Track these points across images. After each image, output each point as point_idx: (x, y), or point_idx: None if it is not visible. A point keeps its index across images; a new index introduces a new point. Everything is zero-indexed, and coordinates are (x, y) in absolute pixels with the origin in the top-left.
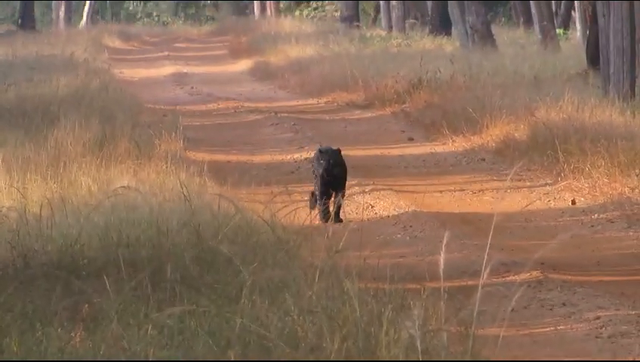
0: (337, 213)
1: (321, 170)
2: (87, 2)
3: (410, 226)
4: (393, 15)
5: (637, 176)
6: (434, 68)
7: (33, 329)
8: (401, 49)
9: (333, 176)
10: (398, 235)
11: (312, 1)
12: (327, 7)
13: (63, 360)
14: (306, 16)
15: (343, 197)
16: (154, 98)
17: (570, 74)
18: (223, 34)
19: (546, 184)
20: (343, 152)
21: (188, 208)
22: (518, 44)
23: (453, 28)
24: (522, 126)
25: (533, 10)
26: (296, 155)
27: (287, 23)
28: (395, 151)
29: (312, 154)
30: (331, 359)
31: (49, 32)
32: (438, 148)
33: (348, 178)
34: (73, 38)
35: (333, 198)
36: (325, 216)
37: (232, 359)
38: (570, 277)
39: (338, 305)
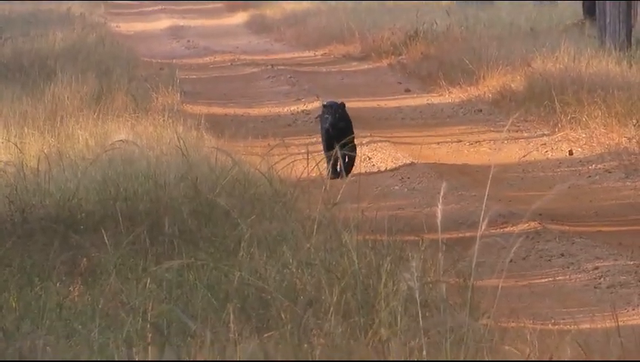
0: (349, 167)
1: (326, 125)
2: None
3: (408, 178)
4: None
5: (634, 126)
6: (430, 20)
7: (32, 284)
8: (397, 2)
9: (338, 130)
10: (396, 187)
11: None
12: None
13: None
14: None
15: (354, 150)
16: (150, 52)
17: (566, 25)
18: None
19: (543, 135)
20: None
21: (185, 161)
22: None
23: None
24: (519, 77)
25: None
26: (293, 108)
27: None
28: (392, 103)
29: (308, 106)
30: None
31: None
32: (435, 99)
33: None
34: None
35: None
36: (333, 171)
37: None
38: (568, 227)
39: (336, 258)
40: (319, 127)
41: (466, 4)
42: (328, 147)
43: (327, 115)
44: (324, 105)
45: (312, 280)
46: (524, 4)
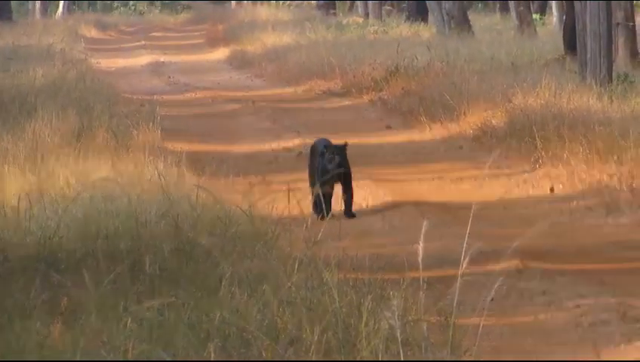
0: (349, 208)
1: (330, 166)
2: None
3: (389, 215)
4: (370, 2)
5: (615, 162)
6: (411, 55)
7: (12, 324)
8: (377, 36)
9: (339, 173)
10: (377, 225)
11: None
12: None
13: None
14: (283, 3)
15: (352, 192)
16: (131, 88)
17: (547, 59)
18: (199, 22)
19: (524, 171)
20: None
21: (166, 199)
22: (495, 30)
23: (429, 14)
24: (500, 112)
25: None
26: (274, 145)
27: (264, 11)
28: (373, 139)
29: (289, 143)
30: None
31: (25, 23)
32: (416, 136)
33: None
34: (50, 28)
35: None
36: (321, 211)
37: (212, 351)
38: (549, 265)
39: (317, 296)
40: (309, 164)
41: (446, 37)
42: (322, 183)
43: (331, 155)
44: (326, 147)
45: (293, 319)
46: (505, 38)
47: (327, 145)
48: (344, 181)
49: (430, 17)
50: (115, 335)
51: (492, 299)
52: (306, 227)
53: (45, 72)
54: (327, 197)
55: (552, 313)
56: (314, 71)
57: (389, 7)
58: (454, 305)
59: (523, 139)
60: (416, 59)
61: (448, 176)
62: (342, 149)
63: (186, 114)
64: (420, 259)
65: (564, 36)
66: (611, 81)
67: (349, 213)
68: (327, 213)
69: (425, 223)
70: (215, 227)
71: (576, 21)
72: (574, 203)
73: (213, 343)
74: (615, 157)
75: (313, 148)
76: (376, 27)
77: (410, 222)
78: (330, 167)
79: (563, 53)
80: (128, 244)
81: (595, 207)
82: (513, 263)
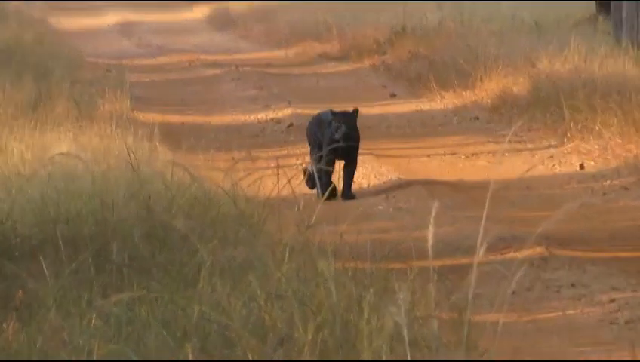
0: (349, 187)
1: (337, 135)
2: None
3: (394, 196)
4: None
5: None
6: (419, 13)
7: None
8: None
9: (347, 143)
10: (380, 207)
11: None
12: None
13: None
14: None
15: (354, 169)
16: (96, 51)
17: (576, 19)
18: None
19: (550, 146)
20: (313, 110)
21: (136, 177)
22: None
23: None
24: (522, 79)
25: None
26: (261, 115)
27: None
28: (376, 109)
29: (278, 113)
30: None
31: None
32: (425, 105)
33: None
34: None
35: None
36: (325, 189)
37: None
38: (579, 253)
39: (311, 289)
40: (312, 133)
41: None
42: (329, 161)
43: (337, 124)
44: (333, 113)
45: (284, 315)
46: None
47: (335, 112)
48: (348, 154)
49: None
50: (77, 334)
51: (513, 292)
52: (298, 209)
53: None
54: (328, 174)
55: (583, 308)
56: (307, 32)
57: None
58: (469, 298)
59: (548, 109)
60: (426, 18)
61: (462, 151)
62: (351, 117)
63: (159, 80)
64: (429, 245)
65: None
66: None
67: (347, 193)
68: (324, 192)
69: (435, 205)
70: (193, 209)
71: None
72: (607, 182)
73: (191, 343)
74: None
75: (318, 119)
76: None
77: (419, 203)
78: (337, 136)
79: (595, 11)
80: (92, 229)
81: (632, 186)
82: (537, 250)
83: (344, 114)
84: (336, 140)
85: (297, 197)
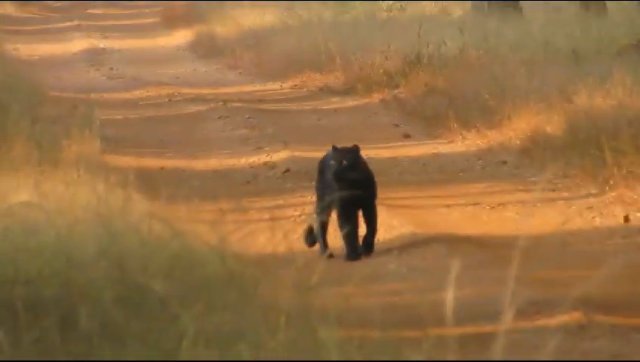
0: (371, 245)
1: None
2: None
3: (407, 253)
4: None
5: None
6: (437, 39)
7: None
8: (392, 14)
9: (357, 186)
10: (392, 266)
11: None
12: None
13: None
14: None
15: (376, 220)
16: (61, 83)
17: (620, 45)
18: None
19: (589, 195)
20: (313, 153)
21: (107, 232)
22: (551, 5)
23: None
24: (556, 117)
25: None
26: (253, 159)
27: None
28: (386, 152)
29: (273, 157)
30: None
31: None
32: (444, 147)
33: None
34: None
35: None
36: (357, 249)
37: None
38: (622, 319)
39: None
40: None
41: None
42: (346, 215)
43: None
44: (334, 149)
45: None
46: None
47: (336, 148)
48: (365, 202)
49: None
50: None
51: None
52: (296, 268)
53: None
54: (325, 227)
55: None
56: (306, 61)
57: None
58: None
59: (588, 151)
60: (445, 45)
61: (487, 201)
62: (353, 154)
63: (133, 118)
64: (448, 310)
65: None
66: None
67: (369, 246)
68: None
69: (455, 264)
70: (173, 269)
71: None
72: None
73: None
74: None
75: (323, 162)
76: (390, 2)
77: (436, 262)
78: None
79: None
80: (57, 291)
81: None
82: (574, 316)
83: (345, 151)
84: (338, 179)
85: (295, 255)
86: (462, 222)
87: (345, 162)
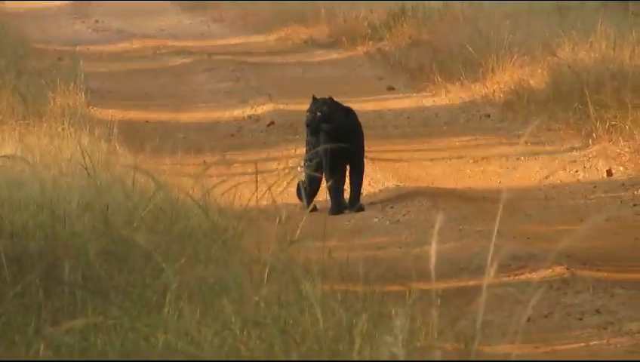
0: (357, 197)
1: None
2: None
3: (391, 207)
4: None
5: None
6: None
7: None
8: None
9: (344, 138)
10: (375, 219)
11: None
12: None
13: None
14: None
15: (361, 174)
16: (46, 36)
17: None
18: None
19: (573, 149)
20: (298, 106)
21: (92, 185)
22: None
23: None
24: (540, 70)
25: None
26: (237, 112)
27: None
28: (370, 104)
29: (257, 110)
30: None
31: None
32: (428, 100)
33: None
34: None
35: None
36: (340, 204)
37: None
38: (605, 274)
39: (294, 315)
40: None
41: None
42: (331, 169)
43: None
44: (314, 99)
45: (262, 346)
46: None
47: (315, 100)
48: (352, 155)
49: None
50: None
51: (528, 319)
52: (280, 221)
53: None
54: (315, 182)
55: (610, 338)
56: (291, 13)
57: None
58: (478, 326)
59: (571, 105)
60: None
61: (470, 154)
62: (327, 105)
63: (119, 70)
64: (431, 265)
65: None
66: None
67: (354, 203)
68: (310, 201)
69: (439, 217)
70: (157, 222)
71: None
72: (639, 190)
73: None
74: None
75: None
76: None
77: (420, 215)
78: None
79: None
80: (41, 245)
81: None
82: (557, 271)
83: (323, 101)
84: (328, 133)
85: (279, 208)
86: (445, 176)
87: (319, 113)
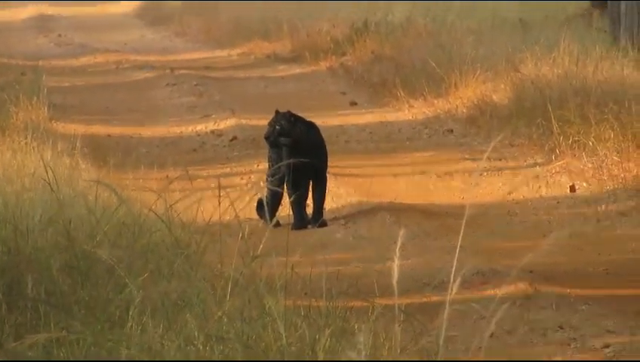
0: (319, 212)
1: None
2: None
3: (354, 223)
4: None
5: None
6: (384, 7)
7: None
8: None
9: (306, 153)
10: (338, 235)
11: None
12: None
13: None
14: None
15: (324, 189)
16: (8, 50)
17: (567, 14)
18: None
19: (536, 164)
20: (260, 121)
21: (55, 199)
22: None
23: None
24: (503, 85)
25: None
26: (200, 127)
27: None
28: (333, 120)
29: (220, 125)
30: None
31: None
32: (390, 115)
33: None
34: None
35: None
36: (303, 219)
37: None
38: (568, 290)
39: (257, 330)
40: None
41: None
42: (294, 183)
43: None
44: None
45: (225, 361)
46: None
47: (277, 114)
48: (315, 170)
49: None
50: None
51: (492, 335)
52: (243, 237)
53: None
54: (277, 197)
55: (572, 354)
56: (254, 29)
57: None
58: (441, 342)
59: (534, 120)
60: (392, 13)
61: (433, 169)
62: (286, 119)
63: (81, 85)
64: (394, 280)
65: None
66: None
67: (317, 218)
68: (272, 216)
69: (402, 233)
70: (120, 237)
71: None
72: (602, 206)
73: None
74: None
75: None
76: None
77: (382, 231)
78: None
79: (589, 5)
80: (3, 259)
81: (630, 212)
82: (520, 287)
83: (282, 115)
84: (266, 139)
85: (242, 224)
86: (408, 191)
87: (278, 127)
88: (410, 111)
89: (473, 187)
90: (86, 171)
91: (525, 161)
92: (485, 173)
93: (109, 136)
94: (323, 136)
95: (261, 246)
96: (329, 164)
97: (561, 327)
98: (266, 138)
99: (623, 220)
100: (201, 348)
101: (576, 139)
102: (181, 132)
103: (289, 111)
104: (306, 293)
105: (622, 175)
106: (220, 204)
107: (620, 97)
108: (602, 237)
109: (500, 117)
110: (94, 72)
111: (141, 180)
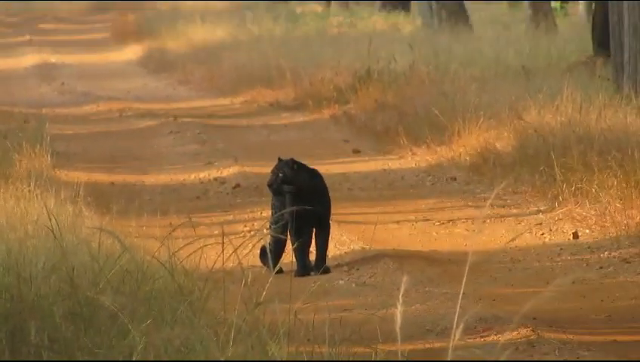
0: (322, 259)
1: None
2: None
3: (357, 269)
4: None
5: None
6: (387, 55)
7: None
8: (342, 30)
9: (309, 200)
10: (341, 281)
11: None
12: None
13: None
14: None
15: (327, 236)
16: (11, 98)
17: (570, 62)
18: (103, 10)
19: (539, 211)
20: (263, 168)
21: (58, 247)
22: (501, 22)
23: (412, 1)
24: (506, 133)
25: None
26: (203, 174)
27: None
28: (336, 167)
29: (223, 172)
30: None
31: None
32: (394, 163)
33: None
34: None
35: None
36: (306, 266)
37: None
38: (571, 336)
39: None
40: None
41: (434, 32)
42: (297, 230)
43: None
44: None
45: None
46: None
47: (280, 161)
48: (319, 218)
49: (413, 5)
50: None
51: None
52: (246, 283)
53: None
54: (281, 244)
55: None
56: (257, 76)
57: None
58: None
59: (537, 168)
60: (395, 61)
61: (436, 217)
62: (288, 167)
63: (84, 133)
64: (397, 327)
65: (593, 31)
66: None
67: (320, 264)
68: (275, 264)
69: (405, 279)
70: (123, 284)
71: (610, 12)
72: (605, 253)
73: None
74: None
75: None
76: (340, 18)
77: (385, 278)
78: (271, 183)
79: (592, 53)
80: (7, 307)
81: (634, 259)
82: (523, 333)
83: (285, 163)
84: (269, 186)
85: (245, 271)
86: (411, 238)
87: (280, 174)
88: (413, 159)
89: (476, 234)
90: (89, 218)
91: (528, 208)
92: (488, 221)
93: (112, 183)
94: (326, 183)
95: (264, 292)
96: (332, 211)
97: None
98: (269, 185)
99: (625, 267)
100: None
101: (579, 186)
102: (184, 179)
103: (292, 159)
104: (309, 340)
105: (625, 222)
106: (223, 251)
107: (623, 145)
108: (605, 283)
109: (503, 164)
110: (97, 120)
111: (144, 227)
